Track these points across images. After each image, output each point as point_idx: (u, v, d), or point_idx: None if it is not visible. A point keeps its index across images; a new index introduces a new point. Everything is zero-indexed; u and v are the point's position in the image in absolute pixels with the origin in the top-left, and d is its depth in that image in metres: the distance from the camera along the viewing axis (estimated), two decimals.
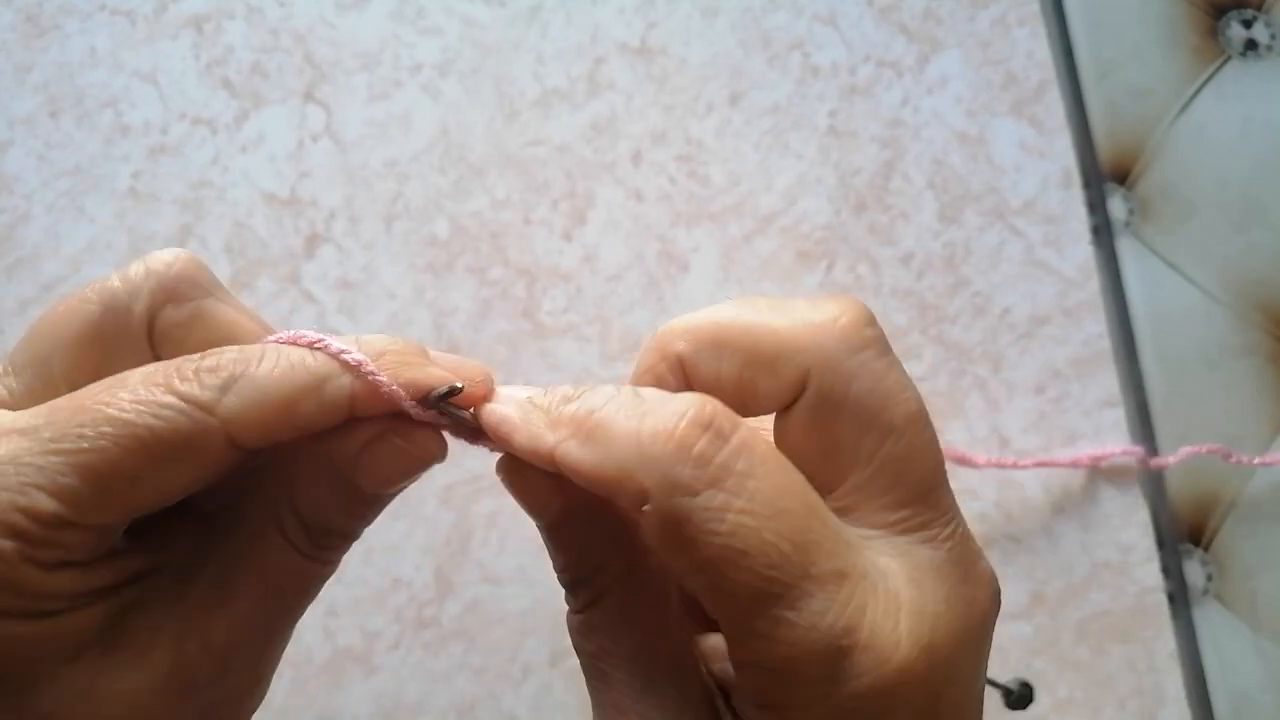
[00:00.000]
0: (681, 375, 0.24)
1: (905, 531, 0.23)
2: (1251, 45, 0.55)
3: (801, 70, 0.55)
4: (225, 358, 0.23)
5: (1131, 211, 0.54)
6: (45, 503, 0.21)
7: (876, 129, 0.54)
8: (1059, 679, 0.49)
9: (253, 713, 0.25)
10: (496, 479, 0.25)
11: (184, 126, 0.55)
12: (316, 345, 0.24)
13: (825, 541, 0.21)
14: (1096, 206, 0.54)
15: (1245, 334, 0.52)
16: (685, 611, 0.26)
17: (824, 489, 0.23)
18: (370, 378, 0.23)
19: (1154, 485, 0.51)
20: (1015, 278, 0.53)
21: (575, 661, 0.26)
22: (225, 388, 0.22)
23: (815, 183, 0.54)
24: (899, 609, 0.21)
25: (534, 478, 0.24)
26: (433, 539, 0.50)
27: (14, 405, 0.23)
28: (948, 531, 0.23)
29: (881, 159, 0.54)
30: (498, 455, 0.26)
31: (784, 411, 0.23)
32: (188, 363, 0.23)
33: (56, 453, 0.21)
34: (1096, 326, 0.52)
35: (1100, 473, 0.51)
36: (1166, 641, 0.49)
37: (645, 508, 0.21)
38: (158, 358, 0.24)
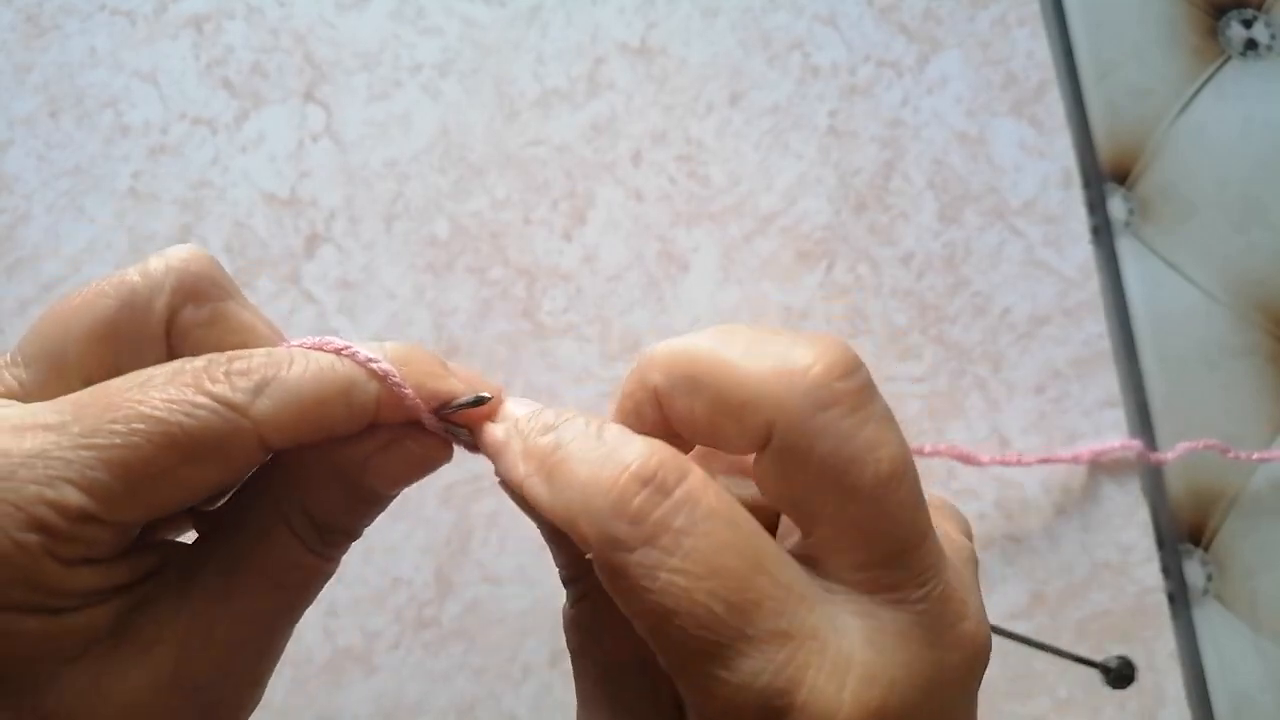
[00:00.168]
0: (658, 407, 0.24)
1: (871, 591, 0.22)
2: (1251, 45, 0.55)
3: (801, 70, 0.55)
4: (255, 361, 0.23)
5: (1131, 211, 0.54)
6: (74, 497, 0.21)
7: (876, 129, 0.54)
8: (1059, 679, 0.49)
9: (250, 713, 0.25)
10: (496, 479, 0.26)
11: (184, 126, 0.55)
12: (344, 352, 0.24)
13: (768, 600, 0.21)
14: (1096, 206, 0.54)
15: (1245, 334, 0.52)
16: None
17: (802, 531, 0.23)
18: (396, 388, 0.24)
19: (1154, 485, 0.51)
20: (1015, 278, 0.53)
21: None
22: (258, 390, 0.22)
23: (815, 183, 0.54)
24: (847, 671, 0.21)
25: None
26: (433, 539, 0.50)
27: (24, 397, 0.23)
28: (920, 594, 0.22)
29: (881, 159, 0.54)
30: None
31: (758, 453, 0.23)
32: (215, 364, 0.23)
33: (88, 447, 0.21)
34: (1096, 326, 0.52)
35: (1100, 472, 0.51)
36: (1166, 641, 0.49)
37: (587, 555, 0.21)
38: (173, 355, 0.24)
